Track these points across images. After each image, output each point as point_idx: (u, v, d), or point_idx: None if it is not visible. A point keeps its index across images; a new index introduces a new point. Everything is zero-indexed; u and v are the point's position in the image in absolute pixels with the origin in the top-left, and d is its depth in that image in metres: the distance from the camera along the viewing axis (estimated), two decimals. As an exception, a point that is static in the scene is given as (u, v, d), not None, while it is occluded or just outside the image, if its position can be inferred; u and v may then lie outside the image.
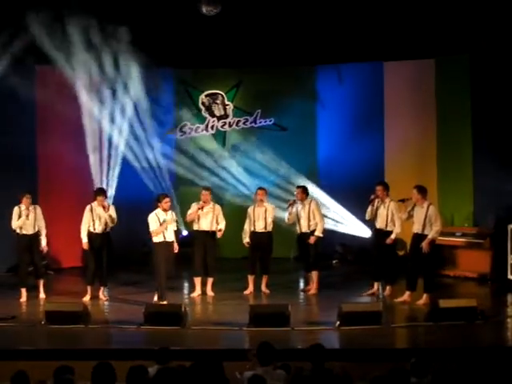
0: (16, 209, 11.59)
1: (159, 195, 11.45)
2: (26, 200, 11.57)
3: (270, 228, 12.08)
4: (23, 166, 13.85)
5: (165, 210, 11.10)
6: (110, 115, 14.60)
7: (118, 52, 13.71)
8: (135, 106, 14.78)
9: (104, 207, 11.60)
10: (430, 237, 10.90)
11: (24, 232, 11.64)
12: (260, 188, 12.27)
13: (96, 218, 11.59)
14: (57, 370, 5.88)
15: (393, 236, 11.49)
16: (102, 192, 11.82)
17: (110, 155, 14.86)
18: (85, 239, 11.58)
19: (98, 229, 11.61)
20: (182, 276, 13.24)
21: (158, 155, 15.29)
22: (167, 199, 11.22)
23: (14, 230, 11.66)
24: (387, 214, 11.51)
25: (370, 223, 12.33)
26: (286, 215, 12.12)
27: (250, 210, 12.16)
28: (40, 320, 9.81)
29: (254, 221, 12.02)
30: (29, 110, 13.88)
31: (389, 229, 11.53)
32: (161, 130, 15.56)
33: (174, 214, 11.36)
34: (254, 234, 12.03)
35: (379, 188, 11.64)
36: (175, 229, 11.44)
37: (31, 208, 11.64)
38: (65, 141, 14.19)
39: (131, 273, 13.69)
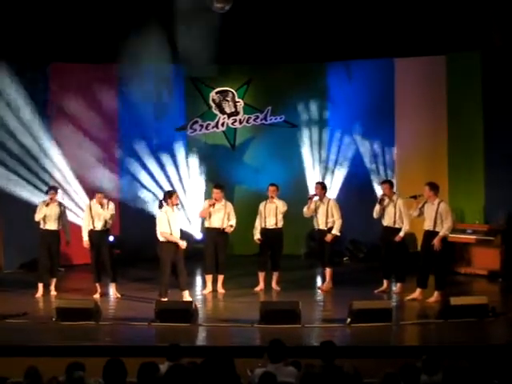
0: (41, 202, 11.74)
1: (167, 192, 11.40)
2: (50, 194, 11.68)
3: (280, 224, 12.11)
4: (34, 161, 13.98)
5: (173, 206, 11.09)
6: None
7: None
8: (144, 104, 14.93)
9: (102, 205, 11.64)
10: (441, 234, 10.87)
11: (47, 227, 11.72)
12: (271, 184, 12.27)
13: (95, 216, 11.62)
14: (68, 366, 5.90)
15: (402, 233, 11.50)
16: (100, 189, 11.81)
17: (122, 152, 14.98)
18: (85, 237, 11.63)
19: (98, 226, 11.64)
20: (193, 273, 13.29)
21: (168, 152, 15.35)
22: (176, 194, 11.22)
23: (38, 224, 11.73)
24: (395, 211, 11.54)
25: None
26: (304, 209, 12.14)
27: (261, 207, 12.17)
28: (51, 317, 9.85)
29: (265, 217, 12.05)
30: (43, 107, 14.10)
31: (397, 226, 11.55)
32: (172, 127, 15.60)
33: (180, 210, 11.31)
34: (264, 231, 12.05)
35: (385, 186, 11.78)
36: (182, 227, 11.41)
37: (56, 203, 11.73)
38: (78, 137, 14.36)
39: (142, 270, 13.70)
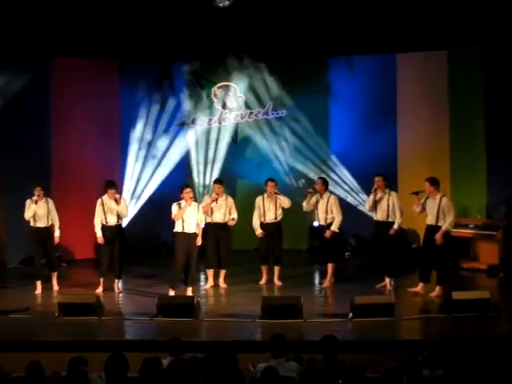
0: (28, 201, 11.63)
1: (181, 186, 11.37)
2: (37, 191, 11.57)
3: (279, 218, 12.14)
4: (36, 157, 13.93)
5: (187, 201, 11.07)
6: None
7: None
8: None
9: (116, 200, 11.60)
10: (443, 228, 10.86)
11: (37, 225, 11.67)
12: (270, 179, 12.26)
13: (108, 212, 11.58)
14: (71, 361, 5.90)
15: (395, 226, 11.51)
16: (112, 185, 11.72)
17: (125, 149, 14.99)
18: (99, 233, 11.56)
19: (111, 222, 11.62)
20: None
21: (170, 148, 15.34)
22: (187, 190, 11.15)
23: (28, 223, 11.69)
24: (388, 204, 11.53)
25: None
26: (303, 203, 12.14)
27: (258, 201, 12.17)
28: (53, 312, 9.85)
29: (265, 212, 12.05)
30: (44, 102, 14.03)
31: (390, 220, 11.53)
32: (173, 122, 15.60)
33: (198, 206, 11.33)
34: (264, 225, 12.07)
35: (378, 179, 11.66)
36: (200, 223, 11.32)
37: (43, 200, 11.68)
38: (79, 133, 14.34)
39: (144, 265, 13.72)
